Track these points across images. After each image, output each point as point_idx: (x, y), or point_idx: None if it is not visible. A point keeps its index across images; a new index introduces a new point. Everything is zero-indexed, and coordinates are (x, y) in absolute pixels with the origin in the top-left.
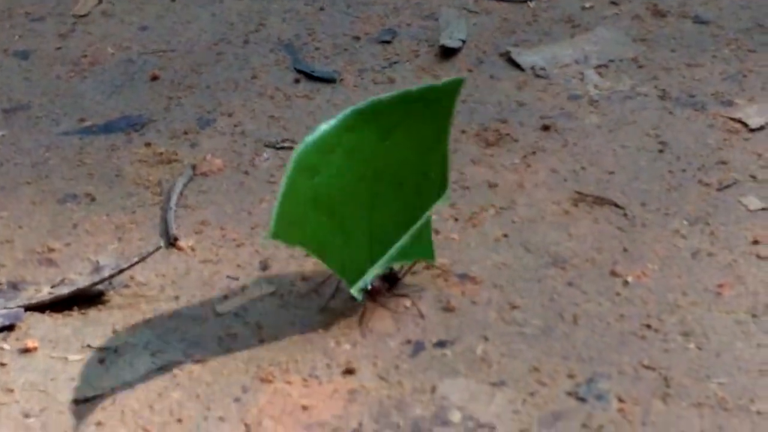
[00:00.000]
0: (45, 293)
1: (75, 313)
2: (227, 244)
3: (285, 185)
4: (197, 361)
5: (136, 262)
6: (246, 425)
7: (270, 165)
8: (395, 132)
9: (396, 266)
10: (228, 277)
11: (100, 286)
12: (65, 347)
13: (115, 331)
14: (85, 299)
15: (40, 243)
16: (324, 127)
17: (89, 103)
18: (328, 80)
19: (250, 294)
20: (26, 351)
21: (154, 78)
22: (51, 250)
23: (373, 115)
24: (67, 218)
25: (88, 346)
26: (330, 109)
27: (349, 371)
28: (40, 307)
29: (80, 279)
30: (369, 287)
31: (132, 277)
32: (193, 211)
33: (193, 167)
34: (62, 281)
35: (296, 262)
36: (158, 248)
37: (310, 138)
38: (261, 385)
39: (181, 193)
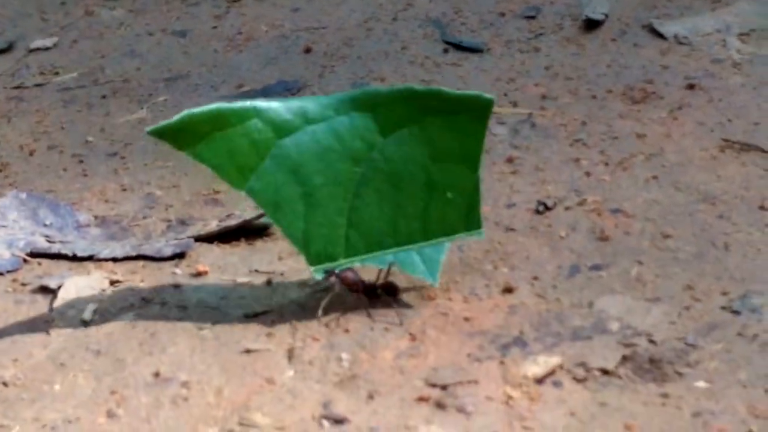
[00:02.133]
0: (213, 226)
1: (242, 244)
2: None
3: (220, 106)
4: None
5: None
6: (411, 335)
7: None
8: (401, 130)
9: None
10: None
11: (264, 219)
12: (233, 272)
13: (280, 258)
14: (251, 231)
15: (205, 187)
16: (307, 99)
17: (246, 72)
18: (476, 50)
19: None
20: (197, 275)
21: (308, 50)
22: (216, 192)
23: (369, 105)
24: None
25: (256, 270)
26: (479, 74)
27: (507, 290)
28: (209, 238)
29: (246, 214)
30: (336, 272)
31: None
32: None
33: None
34: (228, 216)
35: None
36: None
37: (284, 100)
38: (422, 302)
39: None
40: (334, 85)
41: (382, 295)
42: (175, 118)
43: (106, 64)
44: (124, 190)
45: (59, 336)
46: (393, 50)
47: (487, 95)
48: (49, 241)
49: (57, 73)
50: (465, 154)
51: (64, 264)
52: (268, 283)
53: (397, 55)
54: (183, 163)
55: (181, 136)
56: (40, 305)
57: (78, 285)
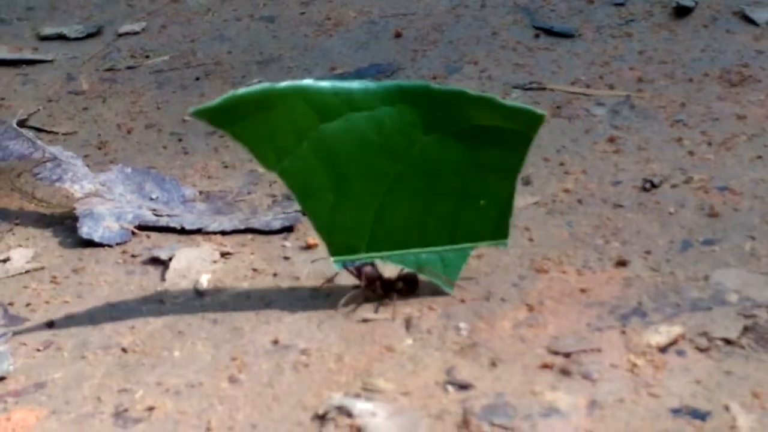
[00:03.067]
0: None
1: None
2: None
3: (266, 87)
4: (474, 257)
5: None
6: (528, 305)
7: (521, 101)
8: (445, 131)
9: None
10: None
11: None
12: None
13: None
14: None
15: None
16: (355, 83)
17: (337, 56)
18: (568, 35)
19: (516, 203)
20: (307, 247)
21: (398, 35)
22: None
23: (418, 100)
24: None
25: None
26: (572, 58)
27: (621, 263)
28: None
29: None
30: (353, 268)
31: None
32: None
33: None
34: None
35: (555, 177)
36: None
37: (333, 82)
38: (537, 274)
39: None
40: (427, 69)
41: (401, 288)
42: (219, 99)
43: (196, 47)
44: (226, 167)
45: (174, 305)
46: (484, 35)
47: (540, 110)
48: (156, 215)
49: (148, 56)
50: (506, 165)
51: (172, 237)
52: None
53: (488, 39)
54: None
55: (222, 116)
56: (152, 276)
57: (189, 257)
